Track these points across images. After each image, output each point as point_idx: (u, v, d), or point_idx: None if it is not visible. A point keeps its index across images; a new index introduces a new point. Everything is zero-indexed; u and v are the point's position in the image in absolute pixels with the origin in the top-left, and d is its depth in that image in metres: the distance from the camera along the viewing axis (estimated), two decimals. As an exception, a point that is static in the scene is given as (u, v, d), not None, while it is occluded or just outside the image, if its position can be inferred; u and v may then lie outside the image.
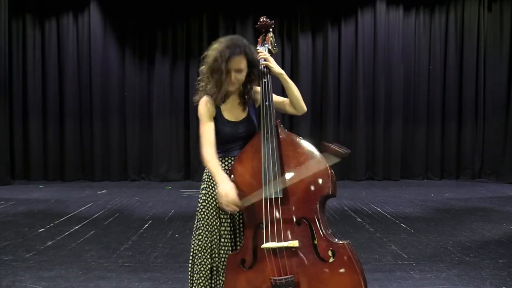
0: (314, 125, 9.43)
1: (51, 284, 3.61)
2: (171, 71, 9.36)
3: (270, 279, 2.17)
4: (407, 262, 4.11)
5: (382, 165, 9.39)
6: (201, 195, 2.48)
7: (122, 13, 9.29)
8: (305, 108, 2.52)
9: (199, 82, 2.47)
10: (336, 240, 2.22)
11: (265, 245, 2.19)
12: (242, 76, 2.37)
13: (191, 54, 9.25)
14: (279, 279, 2.15)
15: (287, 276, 2.16)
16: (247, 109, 2.49)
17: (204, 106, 2.42)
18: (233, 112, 2.47)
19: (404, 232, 5.18)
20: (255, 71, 2.41)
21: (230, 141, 2.45)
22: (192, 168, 9.36)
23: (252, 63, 2.39)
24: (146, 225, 5.53)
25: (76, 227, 5.41)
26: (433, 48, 9.49)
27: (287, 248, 2.17)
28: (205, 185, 2.48)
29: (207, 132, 2.38)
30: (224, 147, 2.45)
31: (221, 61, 2.29)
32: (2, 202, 6.91)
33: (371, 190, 8.14)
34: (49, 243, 4.75)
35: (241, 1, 9.13)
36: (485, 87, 9.35)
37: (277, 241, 2.18)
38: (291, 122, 9.30)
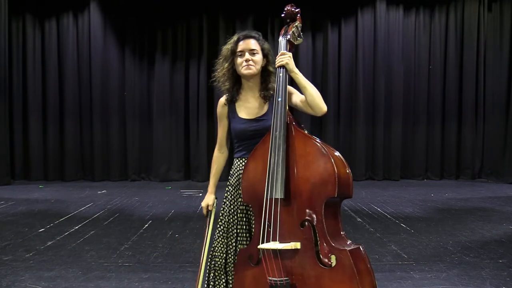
0: (314, 125, 9.42)
1: (51, 284, 3.60)
2: (171, 71, 9.36)
3: (268, 278, 2.14)
4: (407, 262, 4.11)
5: (382, 165, 9.39)
6: (225, 193, 2.50)
7: (122, 13, 9.30)
8: (323, 109, 2.35)
9: (214, 80, 2.49)
10: (349, 243, 2.13)
11: (260, 246, 2.14)
12: (255, 58, 2.36)
13: (191, 54, 9.25)
14: (273, 280, 2.11)
15: (281, 278, 2.10)
16: (267, 105, 2.42)
17: (218, 108, 2.52)
18: (250, 109, 2.43)
19: (404, 232, 5.18)
20: (270, 59, 2.42)
21: (245, 138, 2.40)
22: (192, 168, 9.36)
23: (264, 51, 2.41)
24: (146, 225, 5.53)
25: (76, 227, 5.41)
26: (433, 48, 9.49)
27: (285, 249, 2.10)
28: (228, 183, 2.49)
29: (218, 134, 2.56)
30: (243, 144, 2.43)
31: (231, 45, 2.40)
32: (2, 202, 6.91)
33: (371, 190, 8.13)
34: (49, 243, 4.75)
35: (241, 1, 9.13)
36: (485, 87, 9.35)
37: (279, 242, 2.12)
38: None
